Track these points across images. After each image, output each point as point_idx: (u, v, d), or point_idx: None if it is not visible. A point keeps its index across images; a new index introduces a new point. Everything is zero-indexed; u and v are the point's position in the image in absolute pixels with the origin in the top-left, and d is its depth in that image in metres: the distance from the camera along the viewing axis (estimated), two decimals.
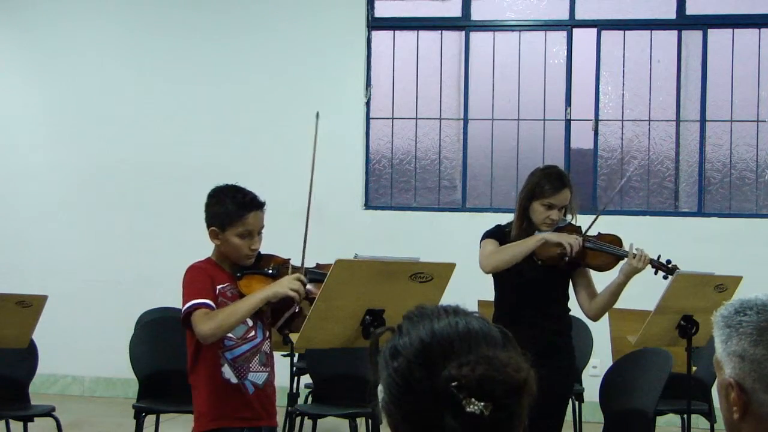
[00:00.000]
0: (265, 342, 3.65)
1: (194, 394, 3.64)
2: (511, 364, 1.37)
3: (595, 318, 4.54)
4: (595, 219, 4.40)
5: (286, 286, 3.47)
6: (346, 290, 3.53)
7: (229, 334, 3.55)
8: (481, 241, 4.44)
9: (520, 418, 1.38)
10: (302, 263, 3.64)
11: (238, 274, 3.60)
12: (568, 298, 4.48)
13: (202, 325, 3.44)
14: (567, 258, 4.25)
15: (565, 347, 4.44)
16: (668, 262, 4.53)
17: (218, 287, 3.56)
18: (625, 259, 4.37)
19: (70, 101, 8.78)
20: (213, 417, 3.59)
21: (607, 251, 4.41)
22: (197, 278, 3.56)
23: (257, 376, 3.62)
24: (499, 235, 4.41)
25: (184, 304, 3.51)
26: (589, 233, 4.44)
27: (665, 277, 4.52)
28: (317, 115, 3.95)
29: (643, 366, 5.03)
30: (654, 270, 4.51)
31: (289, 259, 3.70)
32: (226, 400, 3.57)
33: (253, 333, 3.61)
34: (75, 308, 8.38)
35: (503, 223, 4.52)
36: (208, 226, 3.62)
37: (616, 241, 4.48)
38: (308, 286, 3.58)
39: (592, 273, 4.50)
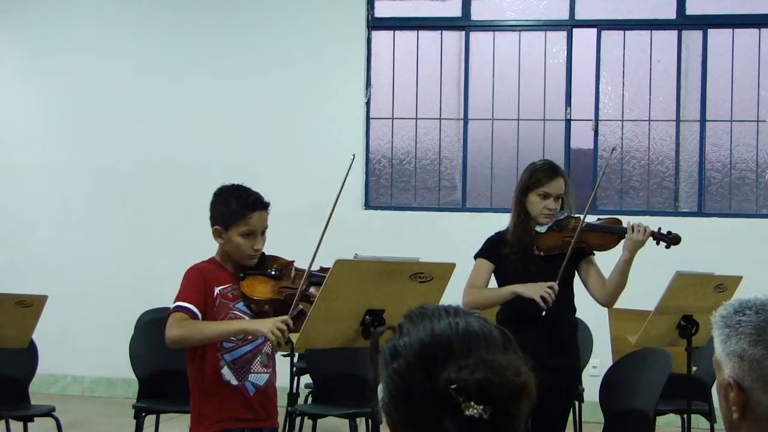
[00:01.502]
0: (266, 343, 3.64)
1: (194, 396, 3.63)
2: (511, 368, 1.37)
3: (608, 303, 4.53)
4: (587, 210, 4.40)
5: (268, 328, 3.42)
6: (346, 290, 3.53)
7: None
8: (475, 257, 4.45)
9: (520, 421, 1.38)
10: (309, 267, 3.63)
11: (241, 275, 3.60)
12: (573, 297, 4.48)
13: (172, 328, 3.46)
14: (548, 305, 4.23)
15: (569, 347, 4.44)
16: (669, 233, 4.52)
17: (218, 289, 3.56)
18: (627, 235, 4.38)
19: (69, 100, 8.79)
20: (213, 420, 3.58)
21: (607, 230, 4.43)
22: (192, 281, 3.56)
23: (258, 378, 3.62)
24: (494, 250, 4.42)
25: (173, 303, 3.53)
26: (588, 221, 4.45)
27: (667, 247, 4.51)
28: (353, 157, 3.95)
29: (643, 366, 5.04)
30: (656, 241, 4.49)
31: (293, 261, 3.70)
32: (226, 401, 3.56)
33: None
34: (75, 308, 8.38)
35: (503, 227, 4.51)
36: (212, 225, 3.63)
37: (616, 221, 4.51)
38: (311, 290, 3.58)
39: (598, 263, 4.50)
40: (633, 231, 4.31)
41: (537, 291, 4.23)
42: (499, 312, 4.45)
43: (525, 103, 8.43)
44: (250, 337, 3.58)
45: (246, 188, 3.65)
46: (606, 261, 4.49)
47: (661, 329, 4.67)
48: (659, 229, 4.49)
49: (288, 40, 8.50)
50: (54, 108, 8.83)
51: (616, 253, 4.43)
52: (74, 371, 8.70)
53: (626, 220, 4.46)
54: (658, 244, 4.52)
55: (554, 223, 4.39)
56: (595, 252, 4.49)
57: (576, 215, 4.45)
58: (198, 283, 3.55)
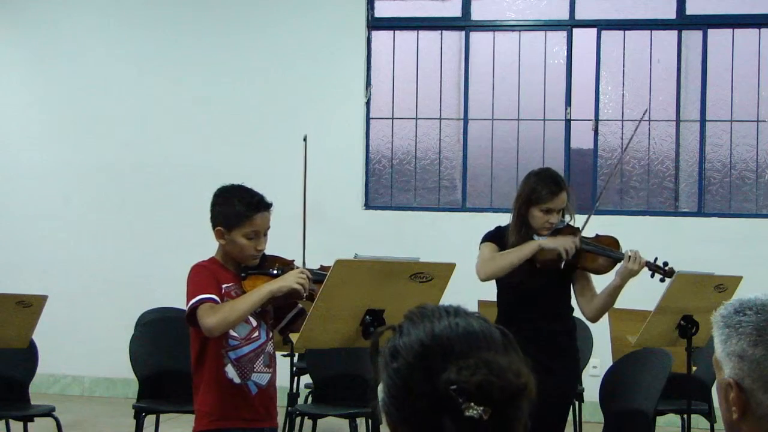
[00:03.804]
0: (269, 343, 3.65)
1: (197, 393, 3.63)
2: (512, 369, 1.37)
3: (593, 319, 4.53)
4: (587, 220, 4.39)
5: (291, 280, 3.48)
6: (346, 290, 3.53)
7: (234, 334, 3.55)
8: (480, 244, 4.43)
9: (520, 422, 1.38)
10: (303, 265, 3.65)
11: (243, 275, 3.60)
12: (570, 299, 4.48)
13: (207, 318, 3.43)
14: (565, 260, 4.24)
15: (569, 349, 4.43)
16: (665, 264, 4.51)
17: (223, 287, 3.56)
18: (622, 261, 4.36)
19: (69, 101, 8.78)
20: (215, 417, 3.59)
21: (603, 254, 4.40)
22: (201, 275, 3.56)
23: (261, 377, 3.61)
24: (498, 237, 4.39)
25: (188, 301, 3.50)
26: (587, 234, 4.42)
27: (662, 280, 4.51)
28: (305, 138, 3.94)
29: (643, 366, 5.04)
30: (650, 273, 4.49)
31: (293, 261, 3.70)
32: (228, 400, 3.57)
33: (256, 334, 3.60)
34: (75, 308, 8.38)
35: (503, 224, 4.50)
36: (214, 226, 3.61)
37: (614, 242, 4.45)
38: (313, 287, 3.58)
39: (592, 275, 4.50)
40: (629, 260, 4.29)
41: (561, 243, 4.24)
42: (498, 315, 4.44)
43: (525, 103, 8.43)
44: (254, 335, 3.58)
45: (248, 189, 3.63)
46: (598, 277, 4.49)
47: (661, 329, 4.67)
48: (655, 259, 4.48)
49: (288, 39, 8.50)
50: (54, 108, 8.82)
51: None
52: (74, 371, 8.70)
53: (627, 244, 4.41)
54: (652, 276, 4.51)
55: (552, 234, 4.36)
56: None
57: (576, 226, 4.42)
58: (209, 276, 3.55)
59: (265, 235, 3.61)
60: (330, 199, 7.84)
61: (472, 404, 1.33)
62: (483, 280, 4.33)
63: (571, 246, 4.24)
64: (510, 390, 1.35)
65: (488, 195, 8.45)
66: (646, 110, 4.95)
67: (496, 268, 4.28)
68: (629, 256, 4.30)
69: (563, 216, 4.39)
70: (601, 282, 4.47)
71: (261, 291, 3.49)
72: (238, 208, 3.56)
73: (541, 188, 4.28)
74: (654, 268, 4.47)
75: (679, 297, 4.57)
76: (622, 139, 8.31)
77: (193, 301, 3.48)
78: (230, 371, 3.56)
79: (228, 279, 3.59)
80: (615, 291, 4.34)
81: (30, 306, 5.04)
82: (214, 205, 3.64)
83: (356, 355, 5.04)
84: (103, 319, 8.38)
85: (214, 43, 8.61)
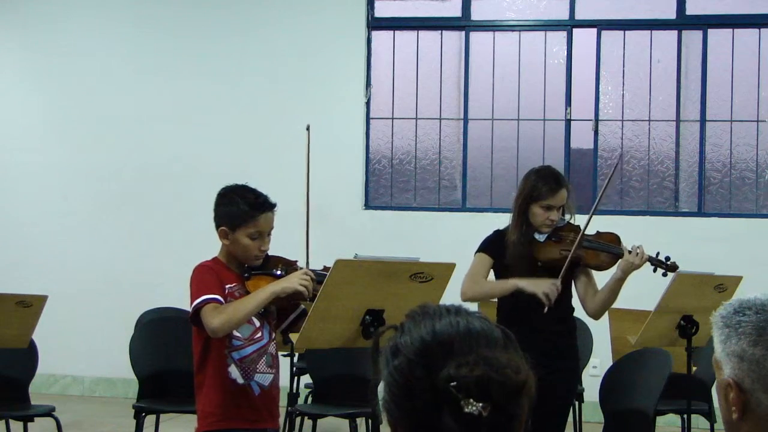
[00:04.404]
0: (271, 343, 3.65)
1: (199, 393, 3.63)
2: (511, 366, 1.37)
3: (595, 316, 4.53)
4: (589, 219, 4.39)
5: (295, 281, 3.48)
6: (346, 290, 3.53)
7: (237, 334, 3.54)
8: (475, 252, 4.44)
9: (520, 420, 1.38)
10: (306, 266, 3.64)
11: (246, 275, 3.60)
12: (571, 299, 4.48)
13: (211, 318, 3.43)
14: (547, 306, 4.24)
15: (569, 349, 4.43)
16: (667, 258, 4.52)
17: (227, 287, 3.55)
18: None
19: (69, 101, 8.79)
20: (218, 417, 3.58)
21: (605, 250, 4.41)
22: (205, 276, 3.55)
23: (263, 378, 3.61)
24: (496, 245, 4.40)
25: (192, 302, 3.50)
26: (588, 232, 4.42)
27: (664, 275, 4.52)
28: (308, 127, 3.93)
29: (643, 366, 5.03)
30: (653, 267, 4.50)
31: (296, 261, 3.70)
32: (231, 400, 3.56)
33: (259, 334, 3.60)
34: (75, 308, 8.38)
35: (503, 226, 4.50)
36: (218, 226, 3.61)
37: (615, 239, 4.46)
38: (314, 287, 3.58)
39: (594, 273, 4.50)
40: (630, 253, 4.30)
41: (540, 288, 4.24)
42: (498, 315, 4.45)
43: (525, 103, 8.43)
44: (257, 336, 3.58)
45: (252, 189, 3.63)
46: (601, 274, 4.48)
47: (661, 329, 4.67)
48: (657, 254, 4.48)
49: (288, 40, 8.51)
50: (54, 108, 8.83)
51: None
52: (74, 371, 8.70)
53: (627, 244, 4.42)
54: (655, 270, 4.51)
55: (553, 233, 4.37)
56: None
57: (576, 224, 4.43)
58: (213, 276, 3.55)
59: (269, 235, 3.62)
60: (330, 199, 7.84)
61: (471, 400, 1.33)
62: (463, 300, 4.34)
63: (552, 290, 4.24)
64: (509, 386, 1.35)
65: (488, 195, 8.45)
66: (620, 162, 4.89)
67: (474, 294, 4.39)
68: (630, 250, 4.31)
69: (563, 214, 4.40)
70: (602, 280, 4.47)
71: (265, 292, 3.49)
72: (242, 207, 3.56)
73: (541, 185, 4.30)
74: (656, 262, 4.48)
75: (679, 297, 4.57)
76: (622, 139, 8.32)
77: (198, 301, 3.48)
78: (233, 371, 3.56)
79: (231, 279, 3.59)
80: (616, 284, 4.34)
81: (30, 306, 5.04)
82: (218, 204, 3.64)
83: (356, 355, 5.04)
84: (103, 319, 8.38)
85: (213, 43, 8.61)
